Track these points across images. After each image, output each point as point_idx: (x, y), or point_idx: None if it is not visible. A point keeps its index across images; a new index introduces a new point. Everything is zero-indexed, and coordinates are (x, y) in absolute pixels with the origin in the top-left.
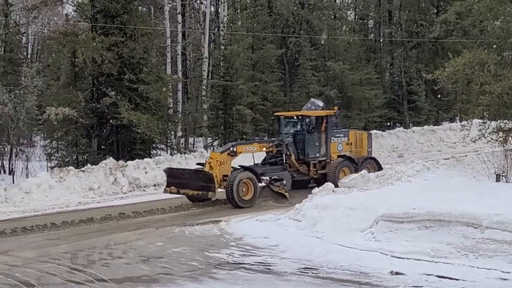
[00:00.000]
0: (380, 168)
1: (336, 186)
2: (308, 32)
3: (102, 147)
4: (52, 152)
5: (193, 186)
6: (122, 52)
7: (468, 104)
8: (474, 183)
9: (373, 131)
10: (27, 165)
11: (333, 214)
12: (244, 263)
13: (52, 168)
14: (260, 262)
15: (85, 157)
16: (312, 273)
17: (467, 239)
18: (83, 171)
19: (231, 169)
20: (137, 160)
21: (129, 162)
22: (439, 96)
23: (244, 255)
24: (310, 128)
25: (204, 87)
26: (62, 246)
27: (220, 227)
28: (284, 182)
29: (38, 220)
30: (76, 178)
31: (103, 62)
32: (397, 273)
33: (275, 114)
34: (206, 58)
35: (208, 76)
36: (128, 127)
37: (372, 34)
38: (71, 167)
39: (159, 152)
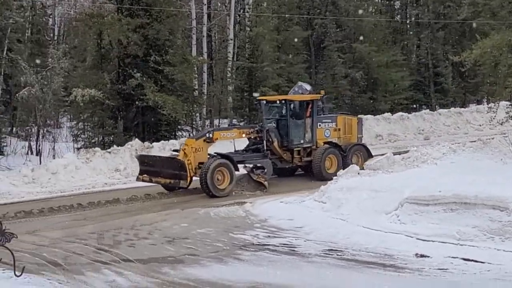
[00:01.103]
0: (370, 155)
1: (321, 174)
2: (334, 14)
3: (128, 128)
4: (79, 133)
5: (165, 174)
6: (147, 34)
7: (496, 86)
8: (501, 166)
9: (399, 113)
10: (54, 146)
11: (358, 196)
12: (268, 245)
13: (78, 149)
14: (284, 244)
15: (111, 138)
16: (337, 255)
17: (493, 222)
18: (109, 152)
19: (208, 156)
20: (162, 141)
21: (154, 144)
22: (466, 78)
23: (269, 236)
24: (294, 113)
25: (229, 69)
26: (89, 227)
27: (245, 209)
28: (265, 170)
29: (65, 200)
30: (102, 159)
31: (129, 43)
32: (422, 256)
33: (258, 98)
34: (231, 39)
35: (233, 58)
36: (153, 108)
37: (398, 16)
38: (97, 148)
39: (184, 133)
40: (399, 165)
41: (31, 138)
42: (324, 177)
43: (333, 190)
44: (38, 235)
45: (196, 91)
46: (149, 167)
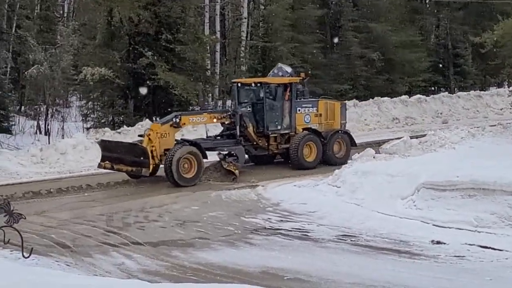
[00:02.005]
0: (353, 143)
1: (298, 162)
2: None
3: (139, 108)
4: (88, 113)
5: (127, 162)
6: (159, 11)
7: None
8: None
9: (417, 96)
10: (63, 126)
11: (373, 180)
12: (281, 229)
13: (88, 129)
14: (297, 228)
15: (121, 118)
16: (351, 240)
17: None
18: (119, 132)
19: (175, 143)
20: None
21: None
22: (486, 60)
23: (281, 220)
24: (271, 97)
25: (242, 48)
26: (97, 208)
27: (257, 192)
28: (237, 158)
29: (73, 181)
30: (112, 139)
31: (140, 21)
32: (438, 242)
33: (233, 81)
34: (245, 18)
35: (247, 37)
36: (164, 88)
37: None
38: (107, 128)
39: None
40: (416, 149)
41: (39, 117)
42: (302, 166)
43: (347, 174)
44: (46, 216)
45: (209, 71)
46: (111, 153)
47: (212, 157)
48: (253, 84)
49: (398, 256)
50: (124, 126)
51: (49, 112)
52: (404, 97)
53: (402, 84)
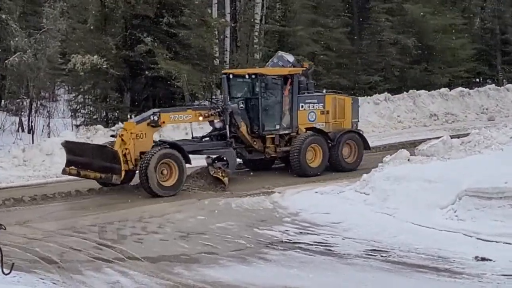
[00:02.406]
0: (366, 146)
1: (300, 168)
2: None
3: (136, 102)
4: (78, 108)
5: (95, 167)
6: None
7: None
8: None
9: (459, 89)
10: (49, 123)
11: (408, 187)
12: (300, 243)
13: (77, 126)
14: (319, 242)
15: (116, 114)
16: (381, 256)
17: None
18: (114, 130)
19: (153, 144)
20: None
21: None
22: None
23: (301, 233)
24: (268, 91)
25: (256, 33)
26: (89, 218)
27: (272, 200)
28: (227, 163)
29: (61, 186)
30: (105, 138)
31: (138, 2)
32: (483, 259)
33: (223, 72)
34: None
35: (261, 20)
36: (166, 79)
37: None
38: (99, 126)
39: None
40: (458, 151)
41: (22, 113)
42: (304, 172)
43: (378, 179)
44: (29, 227)
45: (217, 59)
46: (77, 157)
47: (198, 161)
48: (246, 76)
49: (437, 275)
50: (119, 123)
51: (33, 107)
52: (443, 90)
53: (441, 75)
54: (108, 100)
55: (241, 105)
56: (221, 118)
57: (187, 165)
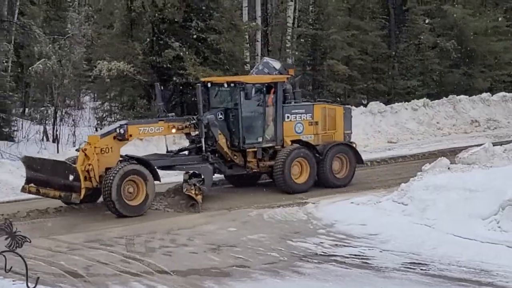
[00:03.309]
0: (359, 160)
1: (285, 184)
2: None
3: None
4: (104, 115)
5: (54, 185)
6: None
7: None
8: None
9: (501, 93)
10: (74, 132)
11: (448, 197)
12: (335, 255)
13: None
14: (355, 255)
15: None
16: (421, 269)
17: None
18: (141, 139)
19: (120, 159)
20: None
21: None
22: None
23: (336, 245)
24: (247, 100)
25: (288, 37)
26: (116, 230)
27: (306, 211)
28: (203, 179)
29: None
30: (133, 147)
31: (165, 6)
32: None
33: (202, 80)
34: (291, 1)
35: (293, 23)
36: (195, 85)
37: None
38: None
39: None
40: (500, 159)
41: (46, 122)
42: (289, 189)
43: (416, 189)
44: (54, 239)
45: (248, 64)
46: (37, 173)
47: (170, 178)
48: (225, 85)
49: None
50: None
51: (58, 115)
52: (485, 95)
53: (483, 80)
54: (135, 107)
55: (220, 116)
56: (197, 131)
57: (157, 182)
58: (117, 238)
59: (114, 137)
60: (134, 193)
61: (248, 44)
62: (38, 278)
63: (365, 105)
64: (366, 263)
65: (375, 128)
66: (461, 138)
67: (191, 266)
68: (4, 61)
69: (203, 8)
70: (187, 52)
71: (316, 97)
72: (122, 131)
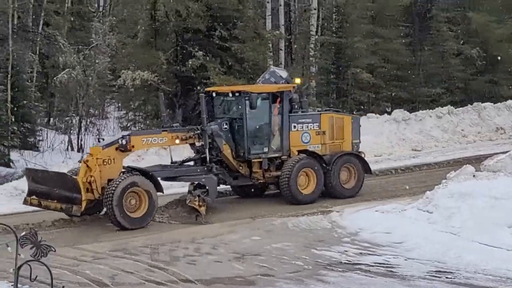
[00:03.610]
0: (367, 169)
1: (291, 195)
2: None
3: (188, 119)
4: (128, 125)
5: (55, 197)
6: (211, 3)
7: None
8: None
9: None
10: (99, 141)
11: (473, 204)
12: (360, 264)
13: None
14: (380, 263)
15: None
16: (446, 277)
17: None
18: (165, 148)
19: (122, 171)
20: None
21: None
22: None
23: (361, 253)
24: (253, 110)
25: (312, 45)
26: (140, 239)
27: (331, 219)
28: (207, 190)
29: None
30: (157, 156)
31: (189, 15)
32: None
33: (206, 89)
34: (314, 9)
35: (317, 32)
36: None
37: None
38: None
39: None
40: None
41: (71, 131)
42: (296, 200)
43: (441, 196)
44: (79, 249)
45: None
46: (38, 185)
47: (172, 190)
48: (230, 94)
49: None
50: None
51: (82, 125)
52: (510, 102)
53: (507, 87)
54: (159, 116)
55: (225, 126)
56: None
57: (159, 194)
58: (142, 247)
59: (117, 148)
60: (136, 205)
61: (272, 53)
62: (63, 287)
63: (389, 113)
64: (391, 271)
65: (400, 136)
66: (486, 146)
67: (215, 275)
68: (29, 71)
69: (227, 17)
70: (210, 61)
71: (340, 105)
72: (124, 142)
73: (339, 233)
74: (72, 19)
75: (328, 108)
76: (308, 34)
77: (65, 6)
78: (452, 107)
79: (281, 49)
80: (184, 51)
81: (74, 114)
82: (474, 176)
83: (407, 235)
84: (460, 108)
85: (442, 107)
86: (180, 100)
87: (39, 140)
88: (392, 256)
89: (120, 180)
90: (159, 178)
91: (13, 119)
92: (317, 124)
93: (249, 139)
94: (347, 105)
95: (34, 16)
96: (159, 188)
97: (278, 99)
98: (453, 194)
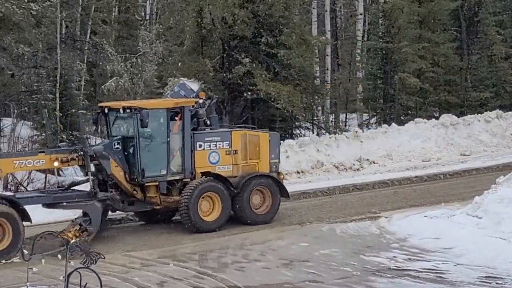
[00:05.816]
0: (284, 193)
1: (191, 222)
2: None
3: (236, 126)
4: None
5: None
6: (257, 10)
7: None
8: None
9: None
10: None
11: None
12: (409, 270)
13: None
14: (429, 269)
15: None
16: (496, 283)
17: None
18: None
19: None
20: None
21: None
22: None
23: (410, 259)
24: (144, 128)
25: (358, 50)
26: (188, 246)
27: (379, 225)
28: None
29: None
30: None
31: (235, 22)
32: None
33: (99, 105)
34: (360, 14)
35: (363, 37)
36: (265, 101)
37: None
38: None
39: (303, 131)
40: None
41: None
42: (197, 227)
43: (491, 201)
44: (128, 256)
45: (318, 79)
46: None
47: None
48: (121, 110)
49: None
50: None
51: None
52: None
53: None
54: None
55: (117, 146)
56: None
57: (27, 223)
58: (190, 254)
59: None
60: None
61: (318, 59)
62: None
63: (437, 118)
64: (440, 277)
65: (448, 141)
66: None
67: (263, 281)
68: (77, 80)
69: (273, 23)
70: (257, 68)
71: (387, 110)
72: None
73: (388, 239)
74: (119, 27)
75: (241, 126)
76: (354, 40)
77: (112, 14)
78: (500, 111)
79: (327, 55)
80: (231, 58)
81: None
82: None
83: (456, 240)
84: (509, 112)
85: (490, 111)
86: (227, 106)
87: None
88: (441, 262)
89: None
90: (39, 205)
91: (62, 128)
92: (228, 142)
93: (143, 161)
94: (394, 110)
95: (81, 25)
96: (26, 217)
97: (179, 116)
98: (503, 199)
